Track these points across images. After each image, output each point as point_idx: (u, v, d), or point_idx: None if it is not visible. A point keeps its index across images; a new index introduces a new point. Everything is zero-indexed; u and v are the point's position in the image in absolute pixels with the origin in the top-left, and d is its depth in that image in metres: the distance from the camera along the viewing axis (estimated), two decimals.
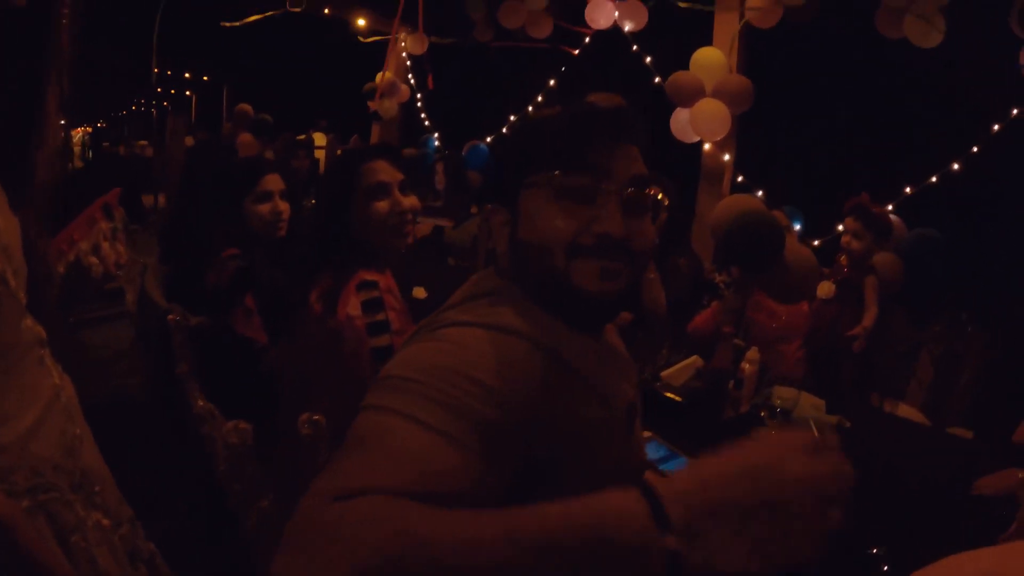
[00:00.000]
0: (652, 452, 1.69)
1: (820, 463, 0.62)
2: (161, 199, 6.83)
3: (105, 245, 1.45)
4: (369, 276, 1.60)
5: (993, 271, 4.38)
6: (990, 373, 3.44)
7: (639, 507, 0.59)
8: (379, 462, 0.68)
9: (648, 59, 4.61)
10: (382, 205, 1.66)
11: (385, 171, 1.69)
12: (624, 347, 1.15)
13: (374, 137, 6.85)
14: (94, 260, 1.41)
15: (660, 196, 0.94)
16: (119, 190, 1.57)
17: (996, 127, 4.04)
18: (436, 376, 0.75)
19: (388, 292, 1.60)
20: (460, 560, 0.59)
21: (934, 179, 4.25)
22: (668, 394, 1.87)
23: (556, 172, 0.89)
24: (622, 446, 0.99)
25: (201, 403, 1.40)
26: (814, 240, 4.36)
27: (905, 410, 3.21)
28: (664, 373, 1.88)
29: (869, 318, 2.98)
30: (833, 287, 3.05)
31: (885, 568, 1.28)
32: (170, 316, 2.01)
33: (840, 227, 4.09)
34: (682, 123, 4.05)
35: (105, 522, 1.14)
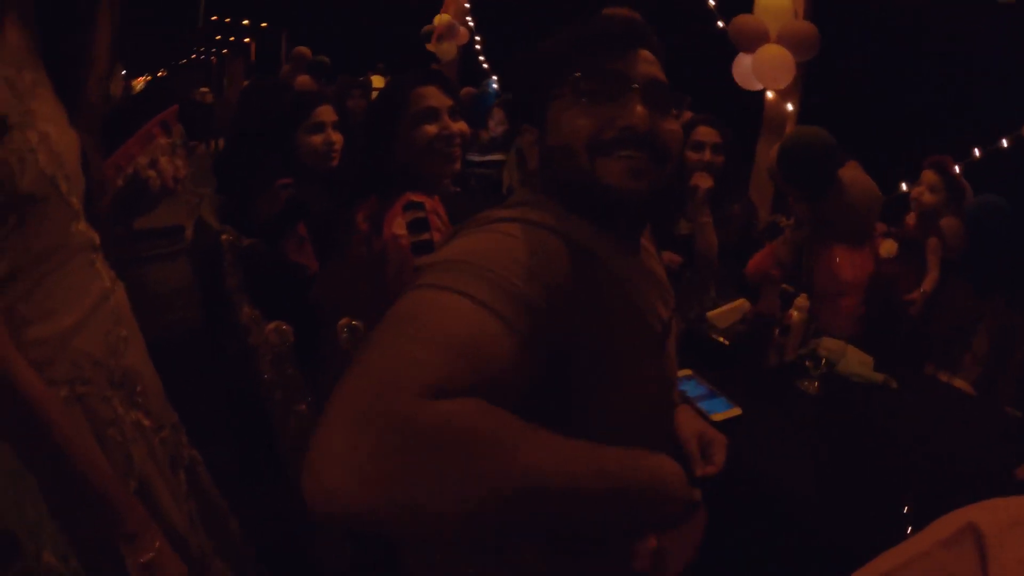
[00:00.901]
0: (692, 390, 1.68)
1: None
2: (221, 144, 6.93)
3: (163, 159, 1.48)
4: (416, 198, 1.60)
5: None
6: None
7: (679, 469, 0.76)
8: (444, 345, 0.67)
9: (711, 1, 4.44)
10: (430, 128, 1.66)
11: (434, 96, 1.69)
12: (665, 275, 1.14)
13: None
14: (152, 173, 1.45)
15: (681, 99, 0.97)
16: (177, 107, 1.59)
17: None
18: (485, 258, 0.77)
19: (434, 213, 1.60)
20: (562, 486, 0.65)
21: (1004, 143, 4.04)
22: (713, 335, 1.84)
23: (577, 75, 0.91)
24: (653, 360, 1.00)
25: (247, 310, 1.43)
26: None
27: (959, 384, 3.12)
28: (710, 314, 1.85)
29: (929, 281, 2.89)
30: (895, 245, 2.95)
31: (909, 529, 1.26)
32: (223, 236, 2.06)
33: (904, 186, 3.96)
34: (744, 69, 3.89)
35: (146, 422, 1.17)
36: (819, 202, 2.21)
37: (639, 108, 0.90)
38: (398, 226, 1.54)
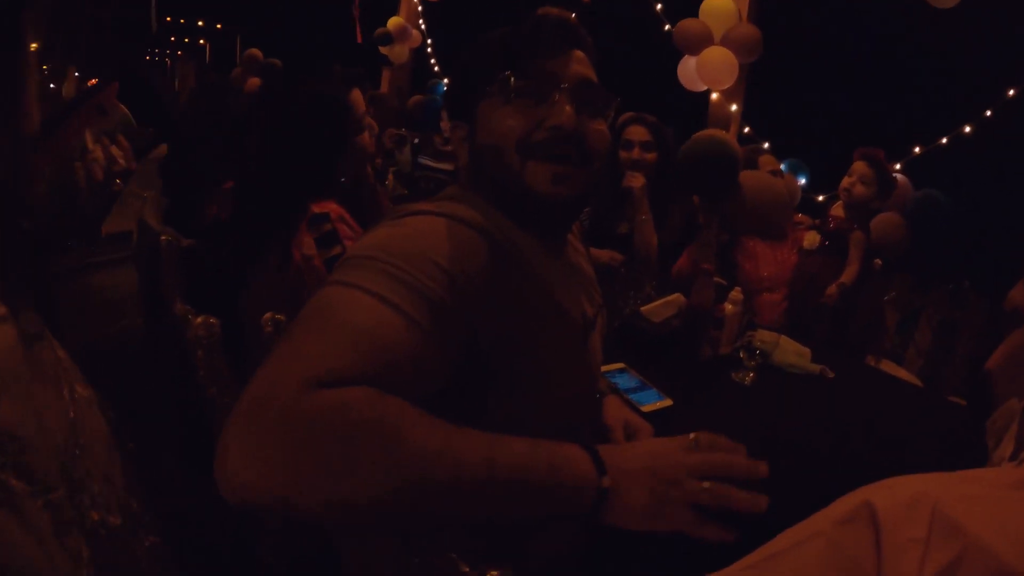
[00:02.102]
0: (624, 383, 1.70)
1: (698, 456, 0.76)
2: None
3: (97, 149, 1.41)
4: (319, 208, 1.60)
5: (999, 241, 4.31)
6: (989, 345, 3.38)
7: (585, 455, 0.74)
8: (339, 338, 0.70)
9: (658, 5, 4.53)
10: (367, 138, 1.69)
11: (361, 102, 1.75)
12: (592, 272, 1.16)
13: (384, 83, 6.79)
14: (77, 164, 1.38)
15: (610, 99, 0.98)
16: (116, 85, 1.54)
17: (1011, 92, 3.95)
18: (395, 255, 0.78)
19: (340, 221, 1.60)
20: (447, 475, 0.65)
21: (944, 141, 4.18)
22: (647, 329, 1.87)
23: (507, 73, 0.92)
24: (574, 355, 1.01)
25: (180, 306, 1.42)
26: (818, 195, 4.31)
27: (903, 374, 3.18)
28: (644, 308, 1.88)
29: (848, 275, 2.90)
30: (818, 238, 2.97)
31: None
32: (163, 237, 2.04)
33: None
34: (689, 71, 3.99)
35: (15, 483, 1.02)
36: (722, 205, 2.25)
37: (567, 108, 0.92)
38: (307, 246, 1.53)
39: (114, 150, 1.39)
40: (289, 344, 0.70)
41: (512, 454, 0.70)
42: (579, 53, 0.97)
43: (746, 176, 2.33)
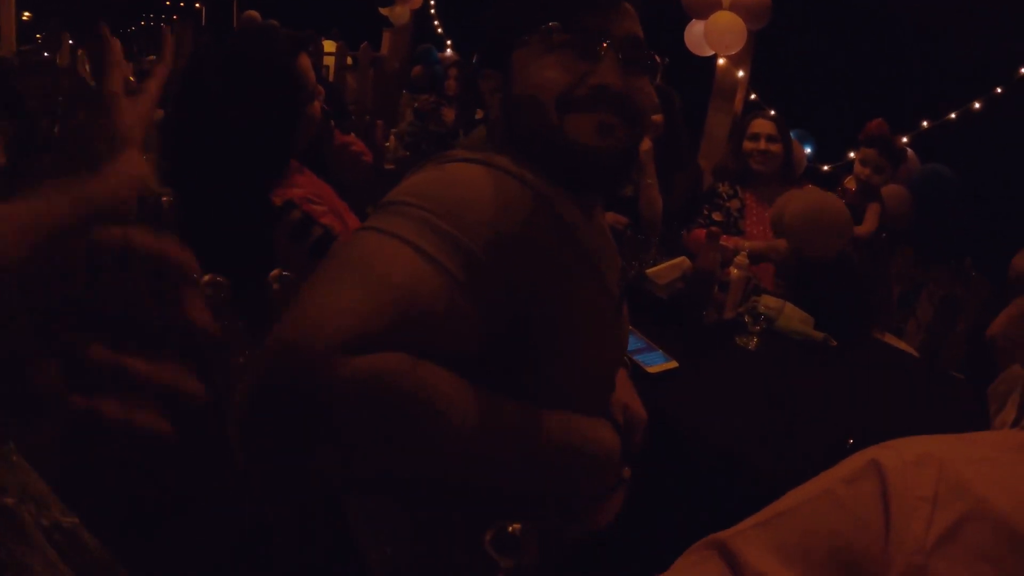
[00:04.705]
0: (630, 344, 1.68)
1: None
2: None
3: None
4: (284, 195, 1.47)
5: (1004, 219, 4.28)
6: (991, 321, 3.38)
7: (617, 440, 0.81)
8: (376, 293, 0.66)
9: None
10: (317, 106, 1.56)
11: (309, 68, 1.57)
12: (612, 239, 1.12)
13: (385, 45, 6.69)
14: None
15: (658, 59, 0.92)
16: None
17: (1023, 70, 3.89)
18: (435, 203, 0.74)
19: (307, 202, 1.48)
20: (485, 451, 0.67)
21: (953, 116, 4.12)
22: (652, 291, 1.85)
23: (552, 24, 0.86)
24: (611, 324, 0.97)
25: None
26: (824, 165, 4.27)
27: (903, 347, 3.18)
28: (650, 271, 1.86)
29: (863, 229, 2.91)
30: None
31: None
32: (164, 198, 2.00)
33: (852, 154, 4.02)
34: (696, 35, 3.91)
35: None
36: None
37: (614, 66, 0.86)
38: (285, 248, 1.44)
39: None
40: (325, 290, 0.66)
41: (548, 425, 0.73)
42: (627, 6, 0.91)
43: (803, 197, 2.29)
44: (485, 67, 0.96)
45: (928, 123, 4.17)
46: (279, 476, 0.69)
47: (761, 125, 2.75)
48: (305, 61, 1.55)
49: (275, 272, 1.35)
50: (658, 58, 0.92)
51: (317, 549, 1.46)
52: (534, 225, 0.79)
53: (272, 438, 0.60)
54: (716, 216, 2.61)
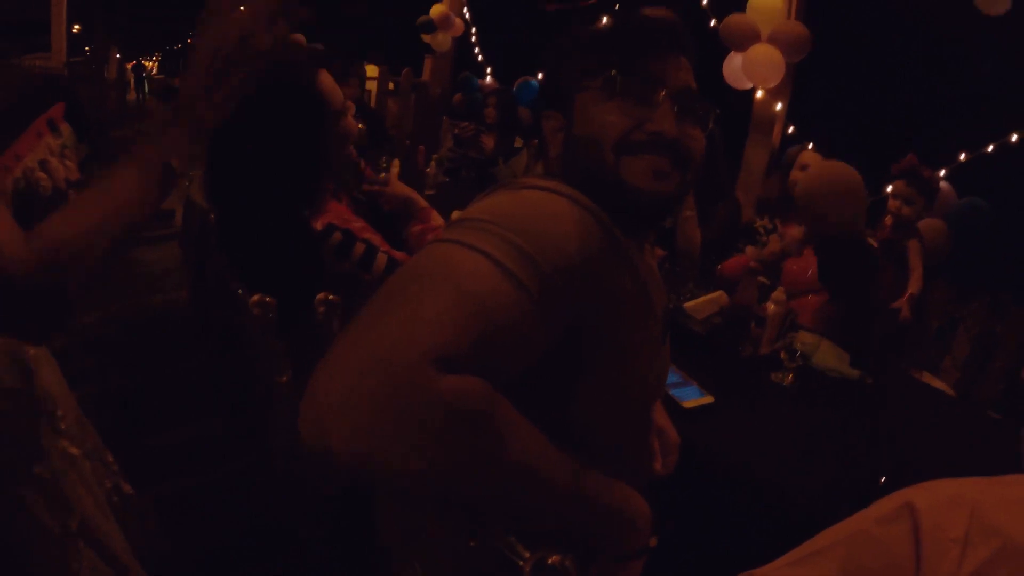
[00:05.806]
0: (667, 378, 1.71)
1: None
2: None
3: (53, 160, 1.40)
4: (323, 221, 1.53)
5: None
6: None
7: (647, 509, 0.84)
8: (462, 307, 0.68)
9: (704, 0, 4.48)
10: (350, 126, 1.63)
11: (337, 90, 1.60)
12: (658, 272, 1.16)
13: (426, 71, 6.81)
14: (42, 175, 1.38)
15: (711, 110, 0.96)
16: (63, 105, 1.54)
17: None
18: (512, 222, 0.77)
19: (344, 220, 1.55)
20: (534, 486, 0.71)
21: (990, 148, 4.09)
22: (690, 325, 1.88)
23: (613, 72, 0.92)
24: (656, 352, 1.01)
25: (235, 286, 1.45)
26: None
27: (938, 384, 3.14)
28: (687, 305, 1.89)
29: (914, 284, 2.84)
30: (875, 246, 2.96)
31: None
32: (211, 215, 2.07)
33: (889, 188, 4.00)
34: (735, 68, 3.93)
35: (73, 450, 1.10)
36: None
37: (670, 114, 0.91)
38: (331, 266, 1.50)
39: (68, 163, 1.42)
40: (403, 303, 0.69)
41: (596, 483, 0.78)
42: (684, 60, 0.96)
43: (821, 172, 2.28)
44: (548, 108, 1.02)
45: (966, 156, 4.14)
46: (321, 488, 0.74)
47: (811, 157, 2.82)
48: (327, 78, 1.55)
49: (321, 296, 1.40)
50: (710, 108, 0.96)
51: (348, 565, 1.51)
52: (601, 251, 0.83)
53: (349, 437, 0.63)
54: (751, 250, 2.63)
